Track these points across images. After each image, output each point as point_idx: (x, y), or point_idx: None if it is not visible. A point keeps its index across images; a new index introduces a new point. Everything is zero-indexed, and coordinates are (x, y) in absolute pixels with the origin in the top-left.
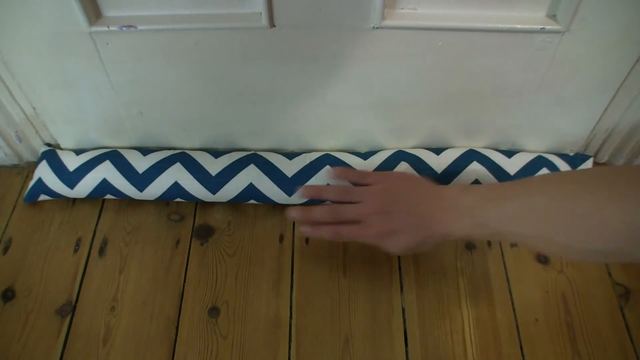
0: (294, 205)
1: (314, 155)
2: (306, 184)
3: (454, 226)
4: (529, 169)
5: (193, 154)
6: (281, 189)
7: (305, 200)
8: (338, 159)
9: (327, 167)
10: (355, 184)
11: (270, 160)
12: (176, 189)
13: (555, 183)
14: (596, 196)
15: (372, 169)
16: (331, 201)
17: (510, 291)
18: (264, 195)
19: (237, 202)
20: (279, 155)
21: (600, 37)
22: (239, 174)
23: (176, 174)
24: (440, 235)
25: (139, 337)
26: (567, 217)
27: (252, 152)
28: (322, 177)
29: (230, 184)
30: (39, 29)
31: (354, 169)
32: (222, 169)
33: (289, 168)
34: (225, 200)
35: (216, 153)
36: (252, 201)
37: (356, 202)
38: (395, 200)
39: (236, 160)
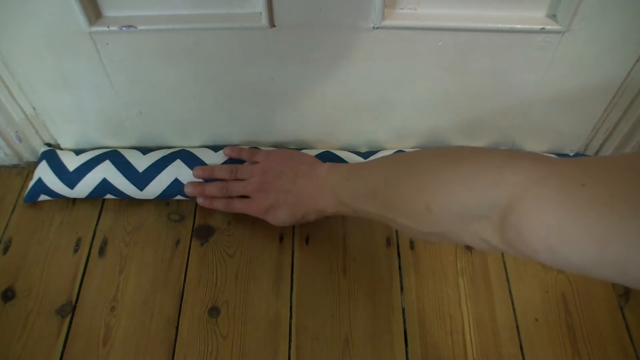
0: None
1: (314, 152)
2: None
3: (324, 203)
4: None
5: (193, 150)
6: None
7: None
8: (338, 155)
9: (225, 148)
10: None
11: None
12: (177, 186)
13: (392, 165)
14: (411, 182)
15: None
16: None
17: (510, 291)
18: None
19: None
20: None
21: (600, 37)
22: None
23: (176, 171)
24: (315, 211)
25: (139, 337)
26: (395, 200)
27: (252, 146)
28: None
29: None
30: (39, 29)
31: (246, 148)
32: (223, 164)
33: None
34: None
35: (216, 148)
36: None
37: (243, 180)
38: (274, 178)
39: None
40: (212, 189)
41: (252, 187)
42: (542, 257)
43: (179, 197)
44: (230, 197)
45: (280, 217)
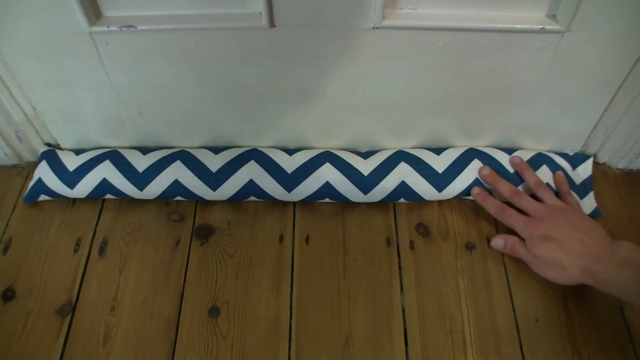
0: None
1: (314, 152)
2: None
3: (604, 270)
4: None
5: (193, 151)
6: (281, 185)
7: (307, 196)
8: (338, 156)
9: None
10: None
11: (270, 156)
12: (176, 186)
13: None
14: None
15: (372, 168)
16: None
17: (510, 291)
18: (264, 191)
19: (237, 201)
20: (280, 151)
21: (600, 37)
22: (239, 170)
23: (176, 172)
24: (586, 271)
25: (139, 337)
26: None
27: (252, 147)
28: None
29: (231, 180)
30: (39, 29)
31: (532, 170)
32: (222, 166)
33: (290, 164)
34: (225, 197)
35: (216, 149)
36: (252, 198)
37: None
38: (569, 220)
39: (236, 157)
40: (504, 186)
41: (546, 209)
42: None
43: (178, 197)
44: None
45: (548, 249)
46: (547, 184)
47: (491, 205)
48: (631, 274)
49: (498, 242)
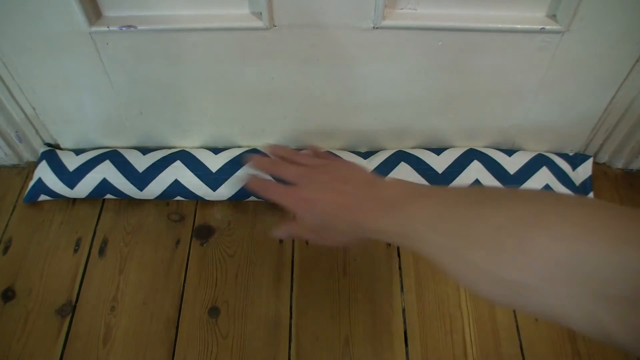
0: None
1: None
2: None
3: (372, 216)
4: (529, 168)
5: (193, 151)
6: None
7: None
8: (338, 156)
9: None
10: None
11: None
12: (176, 186)
13: (485, 193)
14: (512, 212)
15: (372, 168)
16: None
17: None
18: None
19: (237, 201)
20: None
21: (600, 37)
22: (239, 170)
23: (176, 172)
24: (356, 223)
25: (139, 337)
26: (479, 228)
27: (252, 147)
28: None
29: (231, 180)
30: (39, 29)
31: (321, 149)
32: (222, 166)
33: None
34: (225, 197)
35: (216, 149)
36: (252, 198)
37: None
38: (328, 172)
39: (236, 157)
40: (264, 162)
41: (303, 171)
42: None
43: (178, 197)
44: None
45: (312, 215)
46: (547, 185)
47: (256, 187)
48: (388, 212)
49: (278, 232)
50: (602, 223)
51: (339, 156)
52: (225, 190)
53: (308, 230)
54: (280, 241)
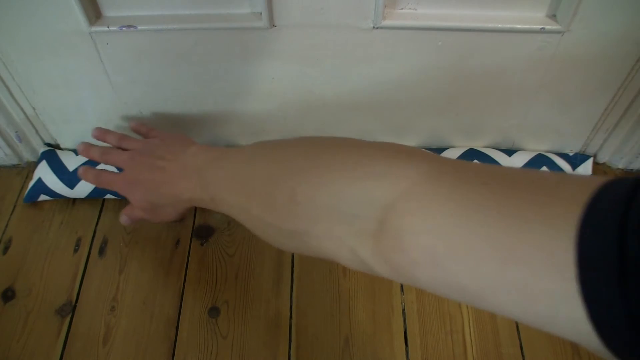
0: None
1: None
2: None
3: (182, 187)
4: (529, 167)
5: None
6: None
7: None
8: (162, 132)
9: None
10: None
11: None
12: None
13: (264, 149)
14: (279, 165)
15: None
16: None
17: None
18: None
19: None
20: None
21: (600, 37)
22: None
23: None
24: (170, 197)
25: (139, 337)
26: (258, 185)
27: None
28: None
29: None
30: (39, 29)
31: (146, 125)
32: None
33: None
34: None
35: None
36: None
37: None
38: (147, 153)
39: None
40: (95, 151)
41: (127, 156)
42: (423, 275)
43: None
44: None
45: (138, 195)
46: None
47: (90, 177)
48: (193, 180)
49: (121, 219)
50: (353, 164)
51: (161, 132)
52: None
53: (141, 210)
54: None
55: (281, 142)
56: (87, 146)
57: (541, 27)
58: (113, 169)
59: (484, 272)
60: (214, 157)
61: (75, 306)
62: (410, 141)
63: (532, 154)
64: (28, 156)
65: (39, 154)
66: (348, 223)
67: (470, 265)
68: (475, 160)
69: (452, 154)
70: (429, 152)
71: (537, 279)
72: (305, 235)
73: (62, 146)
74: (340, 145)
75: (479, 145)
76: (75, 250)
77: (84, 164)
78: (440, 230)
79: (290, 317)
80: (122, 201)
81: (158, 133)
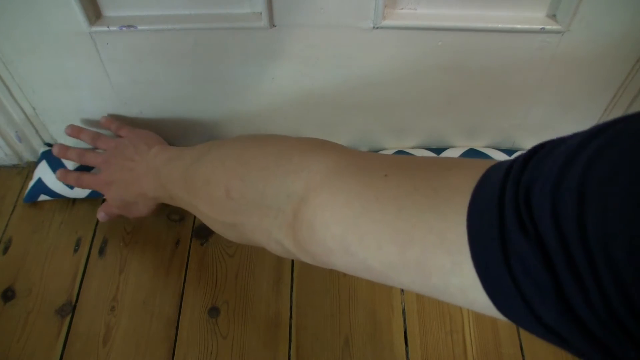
0: None
1: None
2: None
3: (146, 186)
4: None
5: None
6: None
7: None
8: (132, 128)
9: (102, 117)
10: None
11: None
12: None
13: (208, 147)
14: (215, 162)
15: None
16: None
17: None
18: None
19: None
20: None
21: (600, 37)
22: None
23: None
24: (139, 195)
25: (139, 337)
26: (199, 183)
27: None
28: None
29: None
30: (39, 29)
31: (117, 121)
32: None
33: None
34: None
35: None
36: None
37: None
38: (118, 154)
39: None
40: (72, 153)
41: (102, 158)
42: (337, 261)
43: None
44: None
45: (112, 194)
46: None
47: (71, 180)
48: (154, 179)
49: (99, 215)
50: (274, 161)
51: (131, 129)
52: None
53: (116, 208)
54: None
55: (222, 142)
56: (63, 148)
57: (541, 27)
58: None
59: (386, 255)
60: (170, 157)
61: (75, 306)
62: (410, 141)
63: None
64: (28, 156)
65: (39, 154)
66: (273, 217)
67: (374, 250)
68: None
69: (452, 154)
70: (339, 145)
71: (430, 257)
72: (241, 227)
73: None
74: (265, 143)
75: (479, 145)
76: (75, 250)
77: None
78: (347, 221)
79: (290, 317)
80: None
81: (127, 132)
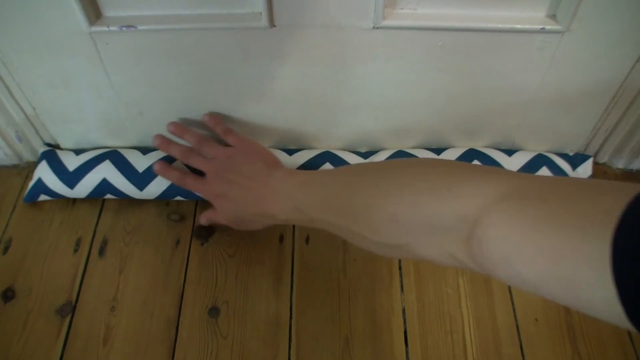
0: None
1: (314, 152)
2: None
3: (277, 209)
4: (529, 168)
5: None
6: None
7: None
8: (338, 156)
9: (205, 114)
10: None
11: None
12: (176, 186)
13: (354, 172)
14: (375, 189)
15: None
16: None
17: (510, 291)
18: None
19: None
20: (279, 152)
21: (600, 37)
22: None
23: None
24: (264, 215)
25: (139, 337)
26: (356, 208)
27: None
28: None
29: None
30: (39, 29)
31: (223, 123)
32: None
33: (291, 163)
34: None
35: None
36: None
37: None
38: (235, 167)
39: None
40: (176, 149)
41: (212, 167)
42: (500, 273)
43: (178, 197)
44: (184, 171)
45: (228, 209)
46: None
47: (172, 176)
48: (286, 204)
49: (201, 219)
50: (443, 187)
51: (239, 137)
52: None
53: (226, 220)
54: (280, 241)
55: (368, 168)
56: (166, 141)
57: (541, 27)
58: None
59: (541, 270)
60: (302, 182)
61: (75, 306)
62: (411, 141)
63: (532, 154)
64: (28, 156)
65: (39, 154)
66: (443, 235)
67: (531, 265)
68: (476, 161)
69: (452, 154)
70: (504, 170)
71: (578, 273)
72: (406, 247)
73: (62, 146)
74: (425, 170)
75: (479, 145)
76: (75, 250)
77: (84, 163)
78: (511, 240)
79: (290, 317)
80: (122, 201)
81: (236, 140)
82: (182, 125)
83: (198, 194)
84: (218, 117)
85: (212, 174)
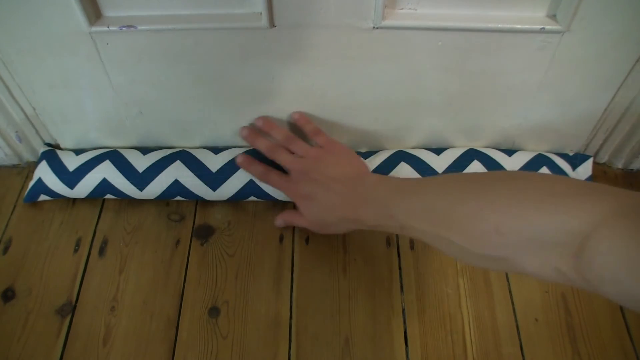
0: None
1: None
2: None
3: (367, 214)
4: (529, 168)
5: (193, 151)
6: None
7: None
8: (329, 139)
9: (295, 112)
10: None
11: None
12: (176, 186)
13: (456, 183)
14: (479, 201)
15: (372, 168)
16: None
17: (510, 291)
18: (264, 192)
19: (237, 201)
20: None
21: (600, 37)
22: (239, 170)
23: (176, 172)
24: (352, 220)
25: (139, 337)
26: (458, 218)
27: (252, 147)
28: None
29: (231, 180)
30: (39, 29)
31: (312, 123)
32: (222, 166)
33: None
34: (225, 197)
35: (216, 149)
36: (252, 198)
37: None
38: (322, 170)
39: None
40: (262, 143)
41: (299, 166)
42: (608, 289)
43: (179, 197)
44: (267, 168)
45: (312, 211)
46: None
47: (255, 171)
48: (378, 210)
49: (278, 221)
50: (551, 202)
51: (329, 139)
52: (226, 190)
53: (309, 223)
54: (280, 241)
55: (470, 179)
56: (253, 133)
57: (541, 27)
58: None
59: None
60: (397, 189)
61: (75, 306)
62: (411, 141)
63: (532, 154)
64: (28, 156)
65: (39, 154)
66: (550, 249)
67: (635, 281)
68: (475, 160)
69: (452, 154)
70: (610, 187)
71: None
72: (507, 260)
73: (62, 146)
74: (532, 184)
75: (479, 145)
76: (75, 250)
77: (84, 164)
78: (624, 255)
79: (290, 317)
80: (122, 201)
81: (325, 141)
82: (271, 121)
83: (280, 190)
84: (307, 116)
85: (299, 173)
